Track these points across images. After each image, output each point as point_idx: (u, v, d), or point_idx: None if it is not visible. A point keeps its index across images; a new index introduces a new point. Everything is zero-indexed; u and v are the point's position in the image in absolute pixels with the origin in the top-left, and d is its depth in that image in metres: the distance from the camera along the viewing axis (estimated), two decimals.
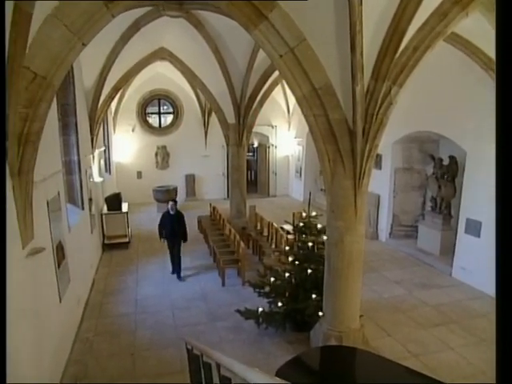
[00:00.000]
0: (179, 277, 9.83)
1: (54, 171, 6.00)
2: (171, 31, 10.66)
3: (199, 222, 13.74)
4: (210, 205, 14.34)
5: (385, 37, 4.73)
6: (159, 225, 9.88)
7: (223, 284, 9.29)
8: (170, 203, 9.76)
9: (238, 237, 10.16)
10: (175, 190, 16.86)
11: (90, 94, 10.55)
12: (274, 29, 4.70)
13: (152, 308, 8.18)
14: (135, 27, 9.64)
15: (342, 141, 5.31)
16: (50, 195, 5.60)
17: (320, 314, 6.40)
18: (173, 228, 9.67)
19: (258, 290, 7.51)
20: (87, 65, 9.68)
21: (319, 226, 7.18)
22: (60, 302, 5.97)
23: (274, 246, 10.62)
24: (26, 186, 4.09)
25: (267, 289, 7.43)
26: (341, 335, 5.91)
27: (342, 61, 4.87)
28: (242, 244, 9.55)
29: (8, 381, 3.72)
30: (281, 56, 4.94)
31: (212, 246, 10.91)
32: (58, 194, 6.22)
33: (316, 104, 5.17)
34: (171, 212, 9.68)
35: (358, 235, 5.78)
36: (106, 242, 12.03)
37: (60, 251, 6.11)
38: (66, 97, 8.49)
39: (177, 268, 9.94)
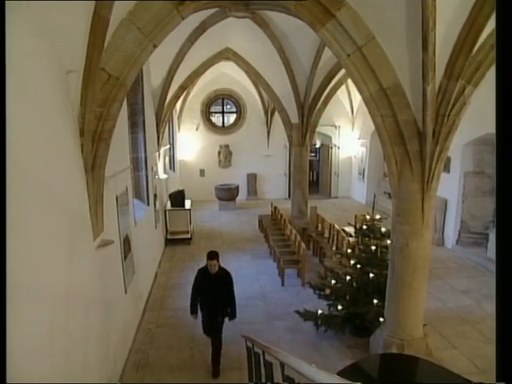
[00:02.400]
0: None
1: (124, 167, 6.28)
2: (236, 31, 10.80)
3: (260, 221, 13.84)
4: (272, 204, 14.38)
5: (460, 33, 4.47)
6: (193, 290, 6.13)
7: (283, 284, 9.29)
8: (211, 261, 5.89)
9: (298, 237, 10.12)
10: (237, 188, 17.09)
11: (157, 93, 10.91)
12: (342, 27, 4.63)
13: None
14: (202, 28, 9.87)
15: (411, 143, 5.12)
16: (119, 190, 5.86)
17: (381, 319, 6.24)
18: (214, 297, 5.97)
19: (318, 291, 7.45)
20: (155, 65, 10.03)
21: (383, 229, 7.01)
22: (125, 293, 6.24)
23: (334, 248, 10.48)
24: (98, 181, 4.31)
25: (327, 291, 7.35)
26: (402, 343, 5.72)
27: (412, 59, 4.69)
28: (302, 245, 9.50)
29: (77, 366, 3.95)
30: (348, 55, 4.85)
31: (272, 246, 10.94)
32: (126, 189, 6.50)
33: (384, 104, 5.03)
34: (211, 271, 5.91)
35: (425, 241, 5.56)
36: (168, 237, 12.40)
37: (126, 244, 6.38)
38: (135, 96, 8.85)
39: (215, 367, 6.03)
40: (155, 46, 4.23)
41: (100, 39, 3.55)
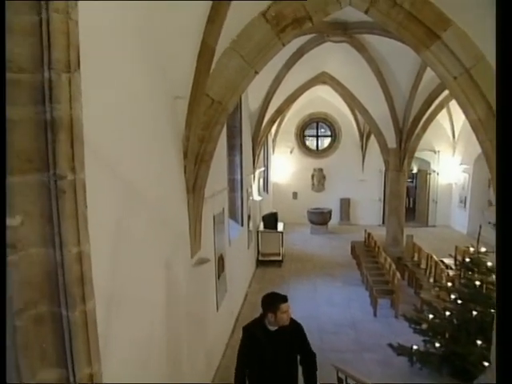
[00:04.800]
0: None
1: (221, 188, 6.52)
2: (333, 55, 10.85)
3: (352, 246, 13.52)
4: (365, 230, 14.00)
5: None
6: (239, 361, 3.92)
7: (375, 314, 8.92)
8: (283, 305, 3.74)
9: (393, 266, 9.70)
10: (329, 212, 16.90)
11: (254, 117, 11.25)
12: (448, 49, 4.43)
13: None
14: (299, 53, 10.06)
15: None
16: (216, 210, 6.08)
17: (486, 364, 5.69)
18: (281, 369, 3.79)
19: (413, 325, 7.03)
20: (253, 89, 10.34)
21: (489, 263, 6.47)
22: (217, 310, 6.39)
23: (432, 280, 9.88)
24: (198, 201, 4.52)
25: (424, 326, 6.90)
26: None
27: None
28: (397, 274, 9.07)
29: (168, 380, 4.09)
30: (455, 78, 4.63)
31: (365, 274, 10.60)
32: (223, 209, 6.73)
33: (493, 128, 4.70)
34: (271, 328, 3.79)
35: None
36: (260, 258, 12.53)
37: (221, 263, 6.56)
38: (234, 119, 9.19)
39: None
40: (256, 73, 4.39)
41: (206, 67, 3.77)
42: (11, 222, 2.17)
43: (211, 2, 3.43)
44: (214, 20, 3.55)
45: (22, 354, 2.23)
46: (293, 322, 3.90)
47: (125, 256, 2.94)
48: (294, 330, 3.90)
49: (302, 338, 3.96)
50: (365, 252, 12.54)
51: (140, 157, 3.24)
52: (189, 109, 3.87)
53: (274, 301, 3.76)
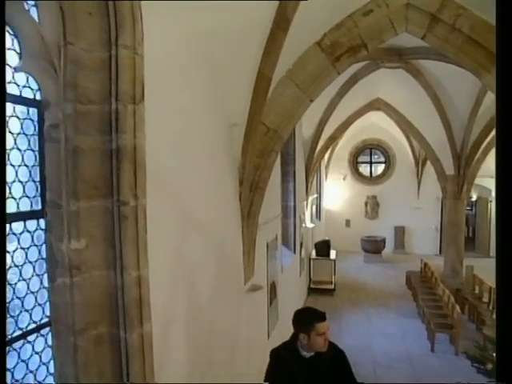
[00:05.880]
0: None
1: (275, 215, 6.53)
2: (387, 81, 10.74)
3: (408, 276, 13.01)
4: (421, 260, 13.47)
5: None
6: None
7: (432, 349, 8.46)
8: (319, 324, 2.98)
9: (452, 299, 9.22)
10: (383, 241, 16.46)
11: (307, 144, 11.26)
12: None
13: (352, 359, 7.87)
14: (353, 80, 10.04)
15: None
16: (269, 237, 6.09)
17: None
18: None
19: (476, 364, 6.57)
20: (307, 117, 10.39)
21: None
22: (268, 338, 6.30)
23: (495, 316, 9.31)
24: (252, 227, 4.55)
25: (489, 366, 6.43)
26: None
27: None
28: (457, 308, 8.61)
29: None
30: None
31: (421, 306, 10.14)
32: (276, 236, 6.72)
33: None
34: (304, 353, 3.03)
35: None
36: (311, 286, 12.34)
37: (273, 290, 6.51)
38: (287, 147, 9.25)
39: None
40: (311, 101, 4.43)
41: (262, 95, 3.86)
42: (77, 244, 2.28)
43: (268, 34, 3.53)
44: (271, 52, 3.64)
45: (82, 372, 2.31)
46: (333, 347, 3.09)
47: (181, 280, 2.99)
48: (336, 359, 3.08)
49: (346, 369, 3.13)
50: (421, 283, 12.04)
51: (197, 183, 3.33)
52: (245, 137, 3.95)
53: (307, 318, 2.99)
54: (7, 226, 2.07)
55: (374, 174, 18.75)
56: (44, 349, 2.33)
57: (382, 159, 18.56)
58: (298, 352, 3.00)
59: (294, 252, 9.57)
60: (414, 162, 17.66)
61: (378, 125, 16.98)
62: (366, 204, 18.32)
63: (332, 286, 12.30)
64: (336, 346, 3.15)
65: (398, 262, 16.01)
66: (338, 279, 13.20)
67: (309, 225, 11.80)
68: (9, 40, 2.02)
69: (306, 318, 3.02)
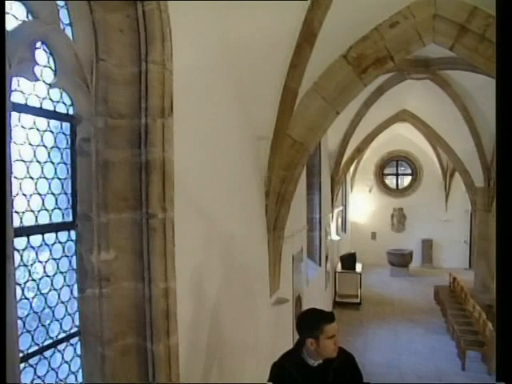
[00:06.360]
0: None
1: (301, 228, 6.50)
2: (414, 93, 10.64)
3: (436, 291, 12.72)
4: (450, 275, 13.16)
5: None
6: None
7: (463, 367, 8.17)
8: (328, 326, 2.56)
9: (483, 315, 8.92)
10: (410, 254, 16.16)
11: (332, 155, 11.22)
12: None
13: (379, 377, 7.71)
14: (379, 92, 9.97)
15: None
16: (295, 250, 6.06)
17: None
18: None
19: None
20: (332, 129, 10.36)
21: None
22: None
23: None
24: (278, 240, 4.55)
25: None
26: None
27: None
28: (489, 324, 8.33)
29: None
30: None
31: (450, 322, 9.87)
32: (301, 249, 6.69)
33: None
34: (311, 362, 2.65)
35: None
36: (337, 299, 12.19)
37: (298, 303, 6.46)
38: (313, 159, 9.22)
39: None
40: (338, 113, 4.42)
41: (289, 108, 3.88)
42: (106, 256, 2.33)
43: (294, 48, 3.55)
44: (297, 65, 3.66)
45: (109, 382, 2.33)
46: (342, 351, 2.73)
47: (206, 293, 3.00)
48: (346, 364, 2.73)
49: (355, 376, 2.78)
50: (450, 298, 11.73)
51: (224, 196, 3.35)
52: (271, 149, 3.98)
53: (314, 320, 2.63)
54: (40, 236, 2.12)
55: (400, 186, 18.48)
56: (73, 358, 2.36)
57: (409, 171, 18.30)
58: (304, 361, 2.66)
59: (320, 265, 9.49)
60: (441, 174, 17.34)
61: (404, 136, 16.78)
62: (392, 216, 18.04)
63: (358, 300, 12.12)
64: (345, 349, 2.78)
65: (425, 276, 15.68)
66: (363, 293, 13.00)
67: (334, 237, 11.69)
68: (45, 58, 2.09)
69: (312, 321, 2.64)
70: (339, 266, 12.64)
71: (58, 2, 2.11)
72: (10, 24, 1.84)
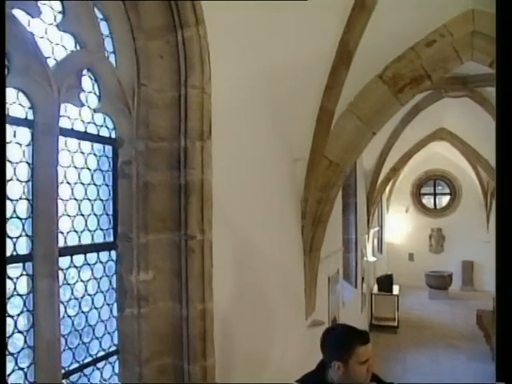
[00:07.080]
0: None
1: (336, 249, 6.43)
2: (451, 111, 10.45)
3: (479, 316, 12.21)
4: (493, 299, 12.59)
5: None
6: None
7: None
8: (361, 348, 2.08)
9: None
10: (450, 276, 15.62)
11: (368, 175, 11.09)
12: None
13: None
14: (415, 111, 9.86)
15: None
16: (331, 271, 5.98)
17: None
18: None
19: None
20: (368, 148, 10.26)
21: None
22: None
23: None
24: (314, 261, 4.50)
25: None
26: None
27: None
28: None
29: None
30: None
31: (495, 349, 9.43)
32: (337, 270, 6.59)
33: None
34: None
35: None
36: (373, 322, 11.88)
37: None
38: (348, 179, 9.14)
39: None
40: (374, 133, 4.39)
41: (325, 129, 3.88)
42: (145, 276, 2.37)
43: (330, 69, 3.57)
44: (333, 86, 3.67)
45: None
46: (376, 379, 2.30)
47: (243, 315, 2.99)
48: None
49: None
50: (494, 323, 11.20)
51: (260, 217, 3.36)
52: (308, 171, 3.98)
53: (345, 340, 2.18)
54: (82, 256, 2.18)
55: (438, 206, 18.02)
56: (111, 376, 2.39)
57: (447, 190, 17.83)
58: None
59: (356, 287, 9.31)
60: (482, 193, 16.80)
61: (441, 155, 16.42)
62: (430, 237, 17.56)
63: (395, 323, 11.76)
64: (379, 377, 2.34)
65: (466, 300, 15.10)
66: (401, 316, 12.63)
67: (370, 259, 11.47)
68: (89, 84, 2.18)
69: (342, 340, 2.20)
70: (375, 287, 12.35)
71: (104, 32, 2.21)
72: (60, 54, 1.94)
